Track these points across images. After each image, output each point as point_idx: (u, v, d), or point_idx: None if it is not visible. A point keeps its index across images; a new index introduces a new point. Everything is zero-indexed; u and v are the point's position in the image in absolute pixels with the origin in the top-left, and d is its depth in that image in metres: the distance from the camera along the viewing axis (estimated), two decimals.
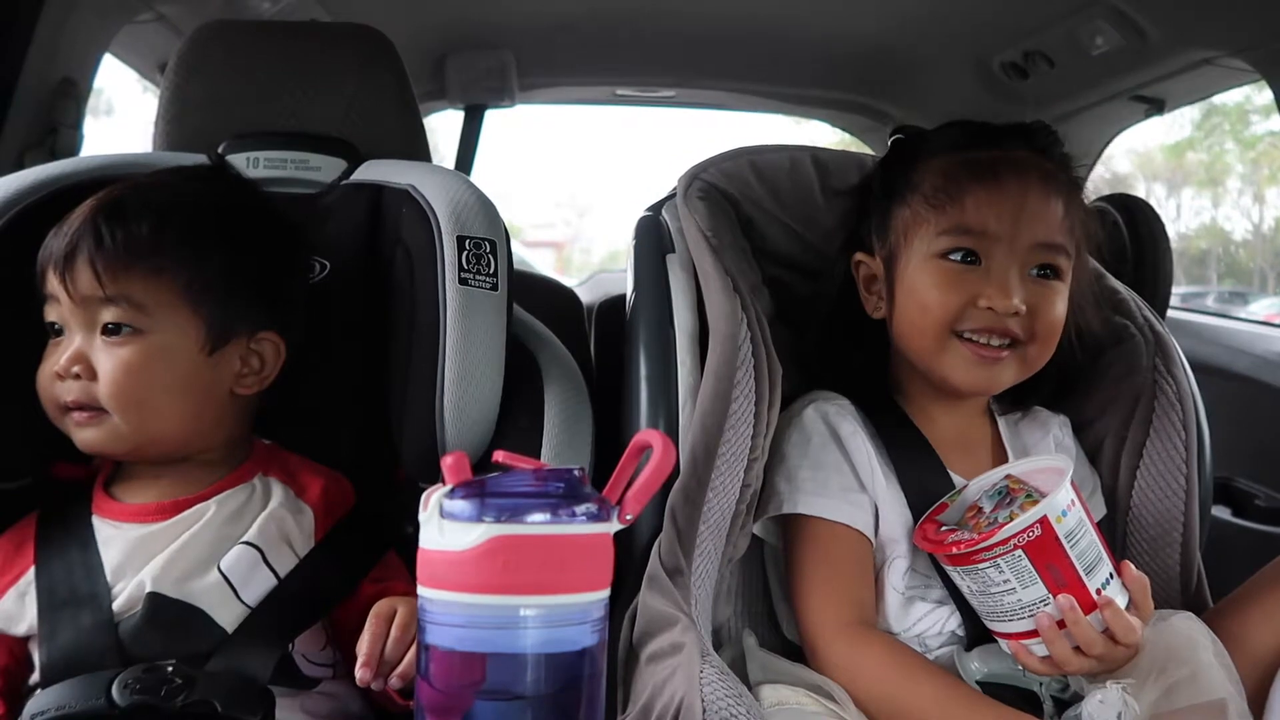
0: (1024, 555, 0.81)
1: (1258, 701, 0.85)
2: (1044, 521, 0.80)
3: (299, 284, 1.00)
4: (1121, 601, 0.81)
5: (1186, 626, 0.86)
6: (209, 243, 0.90)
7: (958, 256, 0.91)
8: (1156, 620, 0.87)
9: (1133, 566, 0.83)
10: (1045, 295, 0.92)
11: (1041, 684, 0.86)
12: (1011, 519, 0.82)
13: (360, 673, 0.74)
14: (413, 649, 0.74)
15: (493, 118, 2.35)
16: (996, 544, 0.82)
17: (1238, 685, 0.82)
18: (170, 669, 0.78)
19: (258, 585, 0.86)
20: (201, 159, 1.09)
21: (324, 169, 1.13)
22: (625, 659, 0.88)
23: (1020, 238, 0.90)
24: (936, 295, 0.91)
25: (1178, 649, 0.84)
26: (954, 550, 0.85)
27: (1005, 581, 0.82)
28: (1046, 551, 0.80)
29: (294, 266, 1.00)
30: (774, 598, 1.01)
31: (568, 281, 2.66)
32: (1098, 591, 0.81)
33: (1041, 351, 0.93)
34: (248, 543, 0.87)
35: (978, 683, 0.87)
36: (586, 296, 1.86)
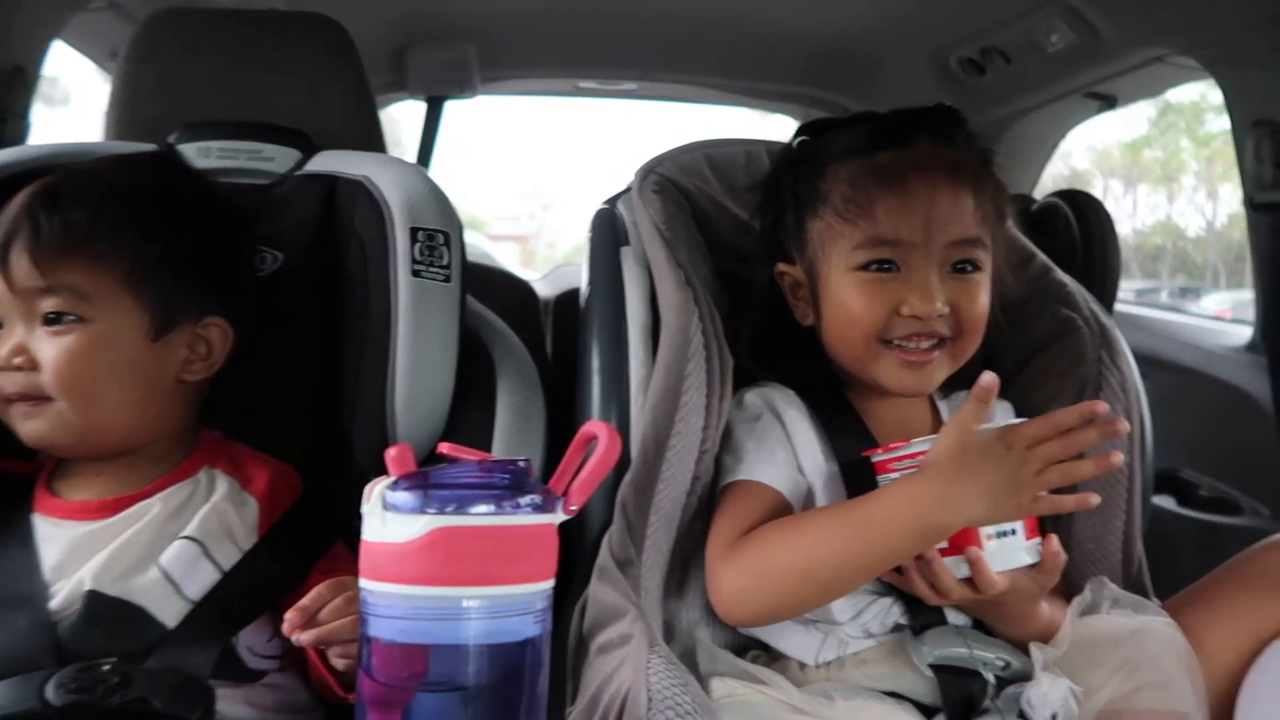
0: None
1: (1219, 710, 0.86)
2: None
3: (245, 269, 1.00)
4: (1026, 560, 0.83)
5: (1168, 634, 0.87)
6: (149, 228, 0.89)
7: (876, 267, 0.92)
8: (1134, 617, 0.89)
9: (1055, 540, 0.85)
10: (967, 290, 0.92)
11: (985, 664, 0.88)
12: None
13: (290, 614, 0.74)
14: (344, 621, 0.73)
15: (460, 111, 2.34)
16: (905, 456, 0.85)
17: (1202, 701, 0.84)
18: (107, 667, 0.77)
19: (200, 580, 0.85)
20: (151, 148, 1.08)
21: (278, 159, 1.12)
22: (575, 650, 0.89)
23: (935, 240, 0.90)
24: (861, 308, 0.92)
25: (1156, 656, 0.85)
26: (874, 457, 0.88)
27: None
28: None
29: (239, 251, 0.99)
30: None
31: (531, 275, 2.66)
32: (989, 537, 0.82)
33: (970, 344, 0.94)
34: (188, 537, 0.86)
35: (930, 665, 0.88)
36: (547, 290, 1.86)
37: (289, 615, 0.74)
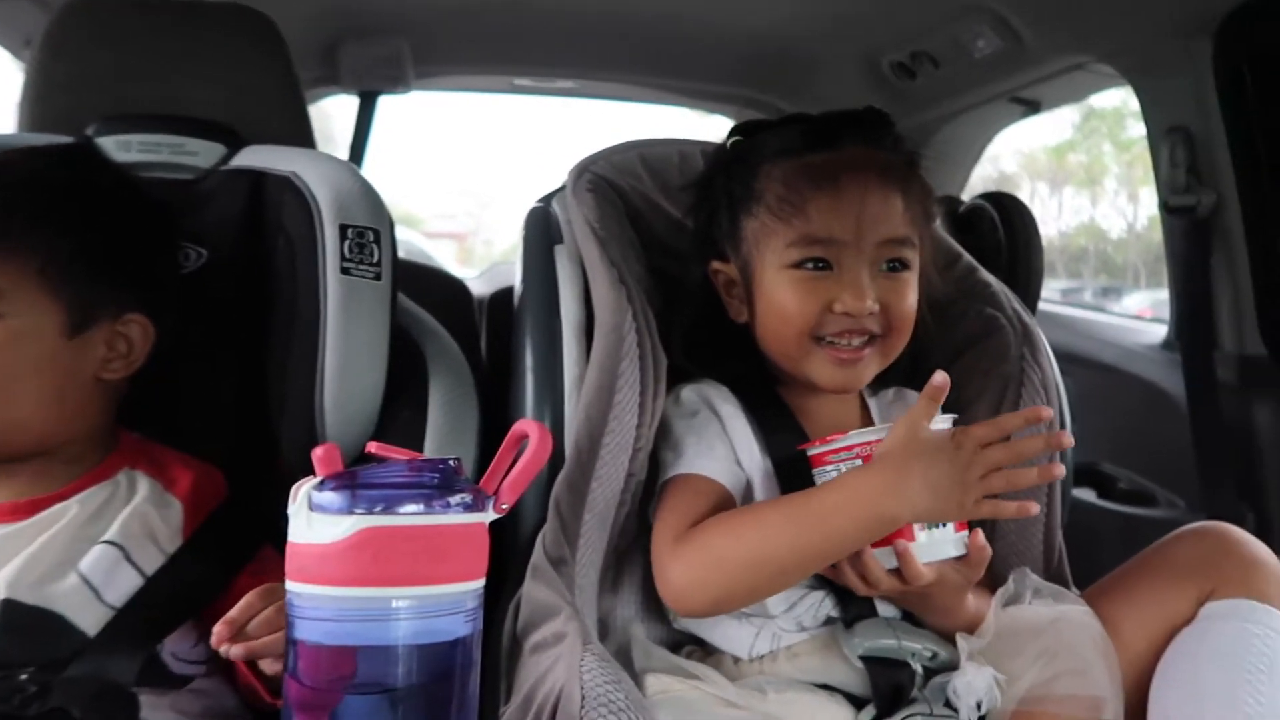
0: (861, 465, 0.85)
1: (1133, 694, 0.89)
2: None
3: (167, 265, 0.97)
4: (953, 553, 0.85)
5: (1085, 622, 0.89)
6: (65, 222, 0.86)
7: (810, 265, 0.93)
8: (1054, 606, 0.91)
9: (981, 534, 0.87)
10: (896, 289, 0.94)
11: (913, 655, 0.90)
12: None
13: (219, 627, 0.72)
14: (276, 635, 0.72)
15: (396, 106, 2.31)
16: (841, 448, 0.87)
17: (1117, 685, 0.86)
18: (24, 677, 0.74)
19: (121, 585, 0.83)
20: (67, 141, 1.05)
21: (202, 154, 1.10)
22: (509, 650, 0.89)
23: (866, 239, 0.92)
24: (795, 305, 0.93)
25: (1074, 643, 0.87)
26: (810, 450, 0.89)
27: None
28: None
29: (161, 246, 0.97)
30: None
31: (468, 273, 2.64)
32: (920, 528, 0.84)
33: (899, 341, 0.96)
34: (109, 541, 0.84)
35: (860, 657, 0.90)
36: (483, 288, 1.84)
37: (217, 629, 0.73)
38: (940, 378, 0.83)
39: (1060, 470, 0.83)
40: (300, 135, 1.17)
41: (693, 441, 0.95)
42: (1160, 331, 1.85)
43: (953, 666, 0.89)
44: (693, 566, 0.87)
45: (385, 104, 2.27)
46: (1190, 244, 1.61)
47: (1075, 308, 2.58)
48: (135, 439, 0.93)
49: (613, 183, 1.10)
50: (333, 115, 2.56)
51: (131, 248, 0.91)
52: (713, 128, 2.84)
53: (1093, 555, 1.10)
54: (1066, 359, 1.14)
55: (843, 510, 0.83)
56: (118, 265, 0.89)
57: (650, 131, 1.19)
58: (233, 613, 0.73)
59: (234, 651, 0.72)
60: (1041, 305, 1.89)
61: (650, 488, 0.97)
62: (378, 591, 0.59)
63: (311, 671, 0.61)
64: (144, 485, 0.89)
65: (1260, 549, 0.91)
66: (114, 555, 0.83)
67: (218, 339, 1.01)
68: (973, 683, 0.85)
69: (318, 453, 0.64)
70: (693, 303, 1.03)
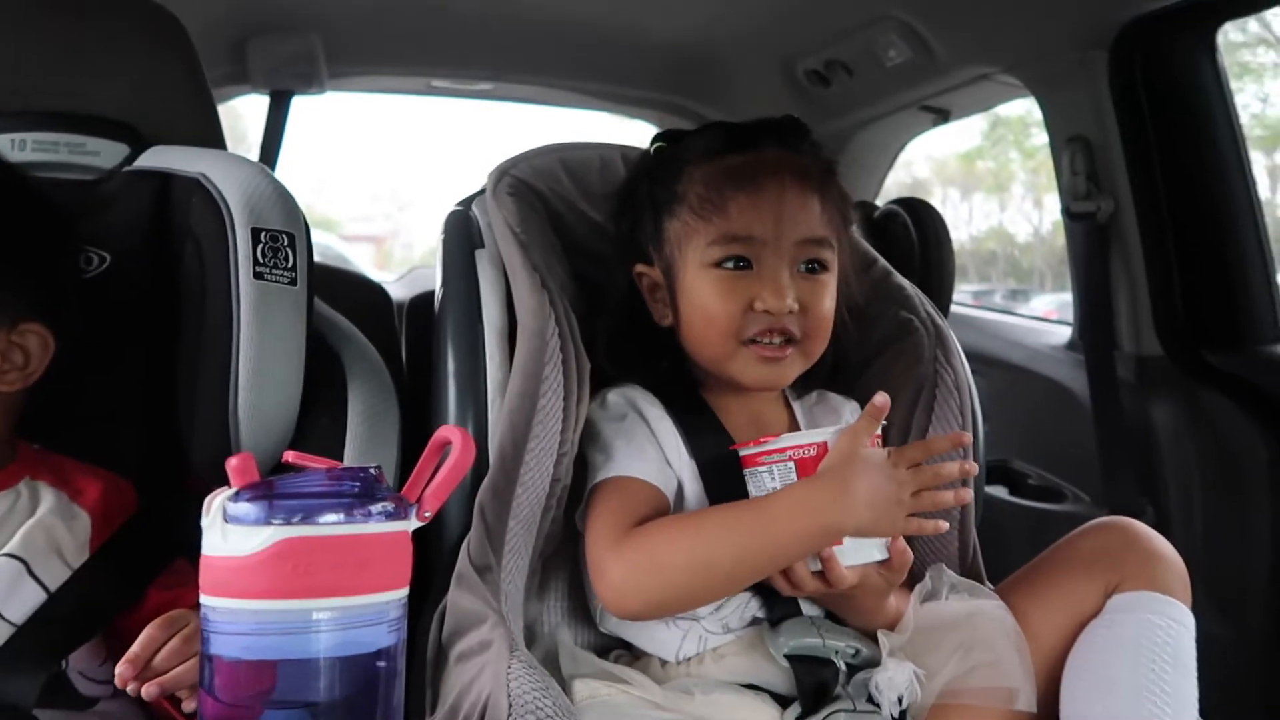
0: (794, 468, 0.87)
1: (1045, 684, 0.91)
2: (822, 446, 0.86)
3: (67, 271, 0.93)
4: (876, 557, 0.87)
5: (999, 616, 0.92)
6: None
7: (731, 264, 0.95)
8: (970, 600, 0.94)
9: (903, 539, 0.88)
10: (815, 291, 0.97)
11: (837, 652, 0.91)
12: None
13: (121, 667, 0.70)
14: (186, 664, 0.69)
15: (311, 106, 2.26)
16: (774, 450, 0.88)
17: (1030, 675, 0.89)
18: None
19: (23, 601, 0.79)
20: None
21: (103, 154, 1.06)
22: (434, 659, 0.87)
23: (784, 238, 0.94)
24: (718, 305, 0.95)
25: (988, 636, 0.90)
26: (743, 451, 0.90)
27: (774, 488, 0.88)
28: (813, 471, 0.87)
29: (60, 251, 0.92)
30: (587, 592, 1.01)
31: (387, 277, 2.59)
32: None
33: (817, 345, 0.98)
34: (9, 554, 0.80)
35: (786, 656, 0.91)
36: (402, 292, 1.81)
37: (120, 669, 0.70)
38: (881, 399, 0.85)
39: (968, 495, 0.88)
40: (208, 135, 1.13)
41: (622, 445, 0.95)
42: (1065, 333, 1.91)
43: (875, 663, 0.91)
44: (634, 569, 0.87)
45: (300, 104, 2.22)
46: (1091, 248, 1.67)
47: (986, 310, 2.66)
48: (35, 451, 0.89)
49: (533, 186, 1.09)
50: (244, 115, 2.49)
51: (27, 253, 0.87)
52: (632, 132, 2.85)
53: (1005, 550, 1.13)
54: (978, 360, 1.18)
55: (788, 520, 0.84)
56: (12, 271, 0.85)
57: (569, 135, 1.18)
58: (134, 649, 0.70)
59: (148, 691, 0.69)
60: (953, 308, 1.95)
61: (576, 493, 0.97)
62: (298, 604, 0.58)
63: (229, 687, 0.59)
64: (49, 496, 0.85)
65: (1160, 543, 0.95)
66: (14, 569, 0.80)
67: (124, 347, 0.97)
68: (894, 678, 0.87)
69: (232, 463, 0.62)
70: (616, 307, 1.04)
